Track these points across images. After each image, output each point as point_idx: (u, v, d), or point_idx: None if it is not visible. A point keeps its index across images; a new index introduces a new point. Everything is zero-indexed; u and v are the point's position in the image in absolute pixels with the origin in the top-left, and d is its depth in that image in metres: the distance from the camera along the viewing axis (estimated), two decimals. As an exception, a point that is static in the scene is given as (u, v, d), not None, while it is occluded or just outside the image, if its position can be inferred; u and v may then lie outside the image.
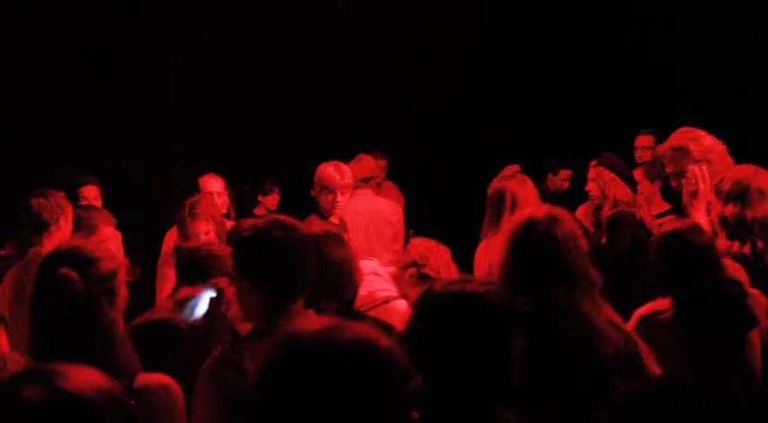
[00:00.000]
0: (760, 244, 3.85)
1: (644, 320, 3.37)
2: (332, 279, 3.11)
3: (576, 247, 2.86)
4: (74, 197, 5.79)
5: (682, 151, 4.46)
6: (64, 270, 2.45)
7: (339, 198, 5.61)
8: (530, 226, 2.83)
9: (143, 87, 8.26)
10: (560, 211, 2.94)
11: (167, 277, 5.35)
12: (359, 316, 3.17)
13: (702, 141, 4.48)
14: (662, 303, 3.37)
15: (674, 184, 4.57)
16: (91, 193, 6.35)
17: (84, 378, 1.39)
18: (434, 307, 2.25)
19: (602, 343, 2.76)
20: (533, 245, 2.81)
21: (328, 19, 8.84)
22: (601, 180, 5.81)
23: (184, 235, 5.14)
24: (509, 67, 8.96)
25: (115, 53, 8.30)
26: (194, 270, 3.54)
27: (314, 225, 3.33)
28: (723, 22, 7.70)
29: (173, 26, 8.42)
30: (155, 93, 8.30)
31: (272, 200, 7.96)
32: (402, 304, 3.75)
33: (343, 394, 1.58)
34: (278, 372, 1.63)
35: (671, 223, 3.63)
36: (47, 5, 8.14)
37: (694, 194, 4.26)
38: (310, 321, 2.60)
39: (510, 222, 2.92)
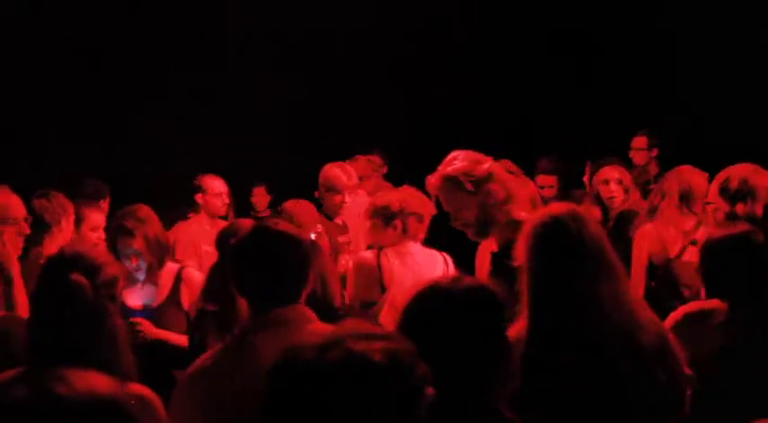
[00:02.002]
0: None
1: (689, 318, 3.26)
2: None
3: (607, 240, 2.84)
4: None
5: (454, 192, 3.85)
6: (75, 276, 2.42)
7: (346, 199, 5.60)
8: (561, 223, 2.77)
9: (143, 87, 8.25)
10: (581, 208, 2.93)
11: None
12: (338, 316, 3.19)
13: (477, 171, 3.79)
14: (710, 304, 3.27)
15: (456, 223, 3.94)
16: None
17: (82, 382, 1.35)
18: (432, 305, 2.24)
19: (640, 333, 2.74)
20: (571, 240, 2.75)
21: (328, 19, 8.84)
22: (627, 179, 5.85)
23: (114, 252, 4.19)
24: (509, 67, 8.95)
25: (115, 53, 8.29)
26: None
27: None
28: (723, 22, 7.70)
29: (173, 26, 8.41)
30: (155, 93, 8.30)
31: (262, 200, 7.96)
32: None
33: (342, 406, 1.57)
34: (277, 387, 1.62)
35: (726, 227, 3.49)
36: (47, 5, 8.13)
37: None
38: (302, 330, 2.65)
39: (535, 221, 2.84)
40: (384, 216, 4.52)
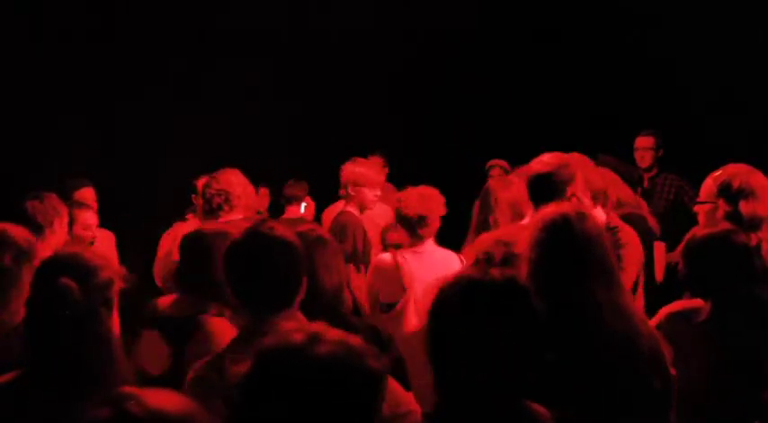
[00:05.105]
0: (765, 244, 3.83)
1: (673, 318, 3.28)
2: (320, 283, 3.10)
3: (607, 242, 2.84)
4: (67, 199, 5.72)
5: None
6: (64, 280, 2.41)
7: (377, 193, 5.68)
8: (565, 223, 2.78)
9: (143, 87, 8.26)
10: (584, 208, 2.93)
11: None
12: (346, 319, 3.16)
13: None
14: (693, 303, 3.29)
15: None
16: (88, 196, 6.26)
17: (158, 401, 1.44)
18: (469, 296, 2.20)
19: (639, 339, 2.75)
20: (572, 242, 2.76)
21: (328, 19, 8.84)
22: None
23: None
24: (509, 67, 8.95)
25: (115, 53, 8.30)
26: None
27: (301, 226, 3.30)
28: (723, 22, 7.69)
29: (172, 26, 8.42)
30: (154, 93, 8.30)
31: (263, 202, 7.96)
32: None
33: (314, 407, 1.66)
34: (253, 387, 1.68)
35: (709, 227, 3.48)
36: (46, 5, 8.14)
37: None
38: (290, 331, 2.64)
39: (539, 220, 2.84)
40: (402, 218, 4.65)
